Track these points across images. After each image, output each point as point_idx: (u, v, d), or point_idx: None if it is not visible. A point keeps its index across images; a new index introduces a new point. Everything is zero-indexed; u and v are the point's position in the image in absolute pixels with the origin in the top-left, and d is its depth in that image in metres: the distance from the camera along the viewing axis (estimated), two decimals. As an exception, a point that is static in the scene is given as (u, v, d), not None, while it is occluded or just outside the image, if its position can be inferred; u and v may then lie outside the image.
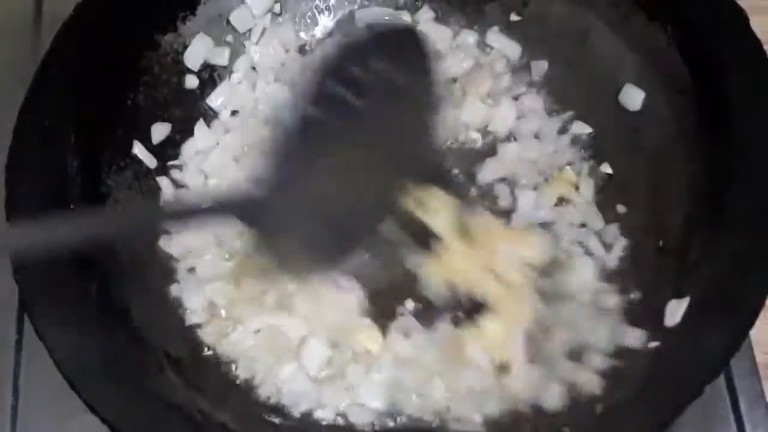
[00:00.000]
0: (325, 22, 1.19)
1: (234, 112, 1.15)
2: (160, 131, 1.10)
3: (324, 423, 0.96)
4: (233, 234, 1.04)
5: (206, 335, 1.01)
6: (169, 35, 1.12)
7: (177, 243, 1.05)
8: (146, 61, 1.10)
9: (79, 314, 0.91)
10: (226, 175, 1.10)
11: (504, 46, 1.16)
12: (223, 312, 1.02)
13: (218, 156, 1.11)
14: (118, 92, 1.07)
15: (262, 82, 1.16)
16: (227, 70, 1.16)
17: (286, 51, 1.17)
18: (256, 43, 1.16)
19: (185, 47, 1.13)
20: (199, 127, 1.12)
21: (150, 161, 1.08)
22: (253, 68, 1.16)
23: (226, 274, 1.03)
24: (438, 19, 1.18)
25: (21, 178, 0.94)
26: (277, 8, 1.17)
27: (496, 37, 1.16)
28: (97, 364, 0.88)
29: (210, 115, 1.14)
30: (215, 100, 1.14)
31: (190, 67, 1.13)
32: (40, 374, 0.97)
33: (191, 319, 1.01)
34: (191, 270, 1.04)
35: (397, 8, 1.19)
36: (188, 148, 1.12)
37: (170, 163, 1.10)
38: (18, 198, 0.92)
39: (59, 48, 1.00)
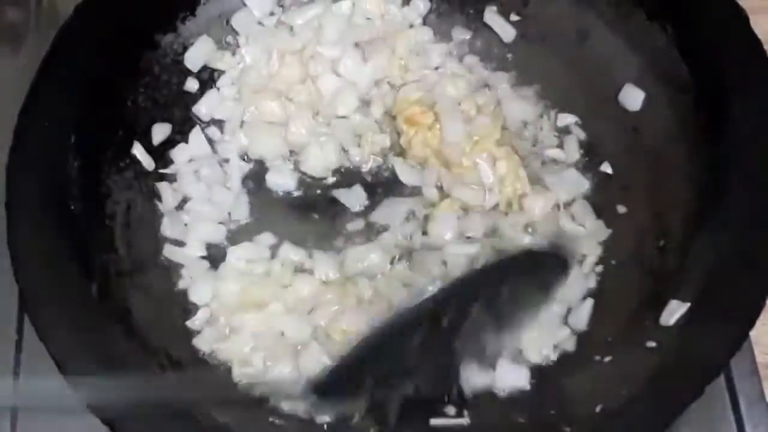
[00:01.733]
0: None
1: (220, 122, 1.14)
2: (160, 132, 1.10)
3: (326, 424, 0.96)
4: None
5: (205, 337, 1.00)
6: (169, 36, 1.12)
7: (181, 253, 1.05)
8: (146, 61, 1.10)
9: (79, 314, 0.91)
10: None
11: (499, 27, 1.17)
12: (222, 315, 1.01)
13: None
14: (118, 93, 1.07)
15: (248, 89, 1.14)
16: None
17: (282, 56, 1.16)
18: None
19: (185, 48, 1.13)
20: (195, 133, 1.12)
21: (148, 163, 1.08)
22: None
23: (228, 279, 1.03)
24: (439, 17, 1.19)
25: (21, 179, 0.93)
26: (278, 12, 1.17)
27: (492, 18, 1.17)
28: (97, 364, 0.87)
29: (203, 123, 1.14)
30: (201, 109, 1.13)
31: (190, 68, 1.13)
32: (40, 374, 0.97)
33: (191, 320, 1.01)
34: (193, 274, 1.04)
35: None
36: (180, 154, 1.11)
37: (163, 170, 1.09)
38: (18, 198, 0.92)
39: (59, 48, 1.00)
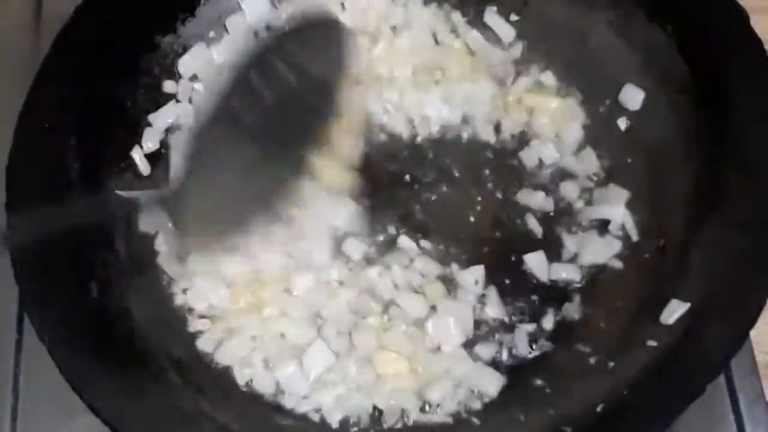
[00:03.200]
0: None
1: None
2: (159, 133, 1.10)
3: (326, 422, 0.96)
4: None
5: (205, 341, 1.00)
6: (169, 37, 1.12)
7: (176, 267, 1.04)
8: (146, 62, 1.10)
9: (79, 314, 0.91)
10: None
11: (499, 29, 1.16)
12: (221, 319, 1.01)
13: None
14: (118, 93, 1.07)
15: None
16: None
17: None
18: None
19: (185, 49, 1.13)
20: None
21: (145, 169, 1.08)
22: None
23: (225, 288, 1.03)
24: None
25: (21, 180, 0.93)
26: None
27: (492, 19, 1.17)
28: (97, 365, 0.88)
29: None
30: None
31: (182, 73, 1.13)
32: (40, 374, 0.97)
33: (191, 324, 1.01)
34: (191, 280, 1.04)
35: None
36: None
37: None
38: (18, 200, 0.92)
39: (59, 48, 1.00)
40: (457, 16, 1.16)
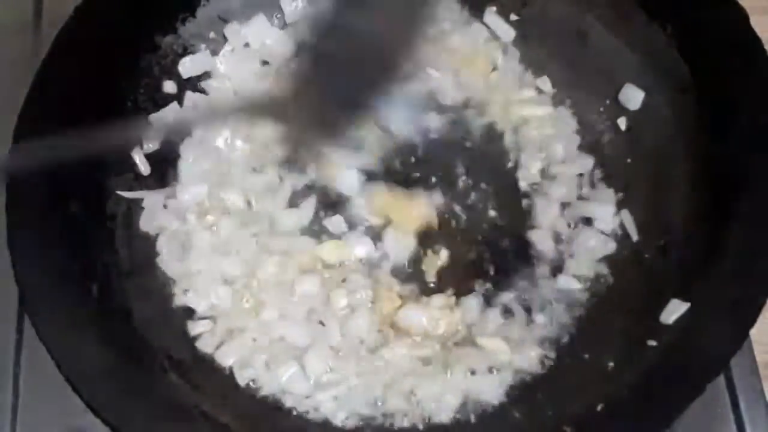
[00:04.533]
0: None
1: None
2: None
3: (326, 421, 0.96)
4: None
5: (205, 342, 1.00)
6: (169, 37, 1.12)
7: (176, 268, 1.04)
8: (146, 62, 1.10)
9: (80, 314, 0.91)
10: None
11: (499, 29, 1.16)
12: (221, 320, 1.01)
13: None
14: (118, 94, 1.07)
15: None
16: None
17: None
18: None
19: (185, 49, 1.13)
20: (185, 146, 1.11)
21: (145, 169, 1.08)
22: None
23: (225, 288, 1.03)
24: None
25: (21, 179, 0.93)
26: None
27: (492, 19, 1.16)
28: (97, 365, 0.88)
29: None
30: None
31: (181, 74, 1.12)
32: (40, 374, 0.97)
33: (191, 324, 1.01)
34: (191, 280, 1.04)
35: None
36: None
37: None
38: (19, 200, 0.92)
39: (59, 48, 1.00)
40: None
